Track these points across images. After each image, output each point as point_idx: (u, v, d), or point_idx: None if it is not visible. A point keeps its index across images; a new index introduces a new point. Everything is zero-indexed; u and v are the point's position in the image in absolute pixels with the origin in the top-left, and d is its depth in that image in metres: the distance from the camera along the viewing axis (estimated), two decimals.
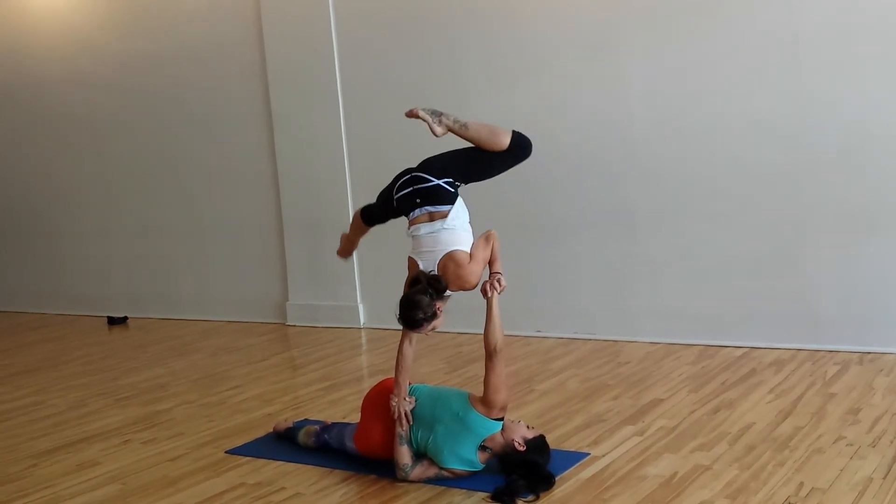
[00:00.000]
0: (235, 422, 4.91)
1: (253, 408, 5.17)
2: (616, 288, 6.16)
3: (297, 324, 7.49)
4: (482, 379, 3.75)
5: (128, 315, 8.42)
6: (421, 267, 3.77)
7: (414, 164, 3.94)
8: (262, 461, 4.22)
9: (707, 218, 5.78)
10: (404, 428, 3.84)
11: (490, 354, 3.72)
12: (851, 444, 3.89)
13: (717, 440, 4.07)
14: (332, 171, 7.14)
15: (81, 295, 8.88)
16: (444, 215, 3.79)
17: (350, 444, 4.10)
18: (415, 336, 3.86)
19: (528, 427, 3.78)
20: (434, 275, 3.70)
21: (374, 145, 6.92)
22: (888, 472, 3.56)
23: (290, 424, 4.51)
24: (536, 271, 6.37)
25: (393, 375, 3.96)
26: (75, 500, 3.92)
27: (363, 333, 7.07)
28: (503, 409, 3.75)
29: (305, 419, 4.76)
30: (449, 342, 6.35)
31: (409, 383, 3.98)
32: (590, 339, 6.18)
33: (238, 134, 7.68)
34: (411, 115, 3.93)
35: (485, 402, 3.72)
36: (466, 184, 3.92)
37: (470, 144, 3.95)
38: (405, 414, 3.84)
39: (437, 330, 3.77)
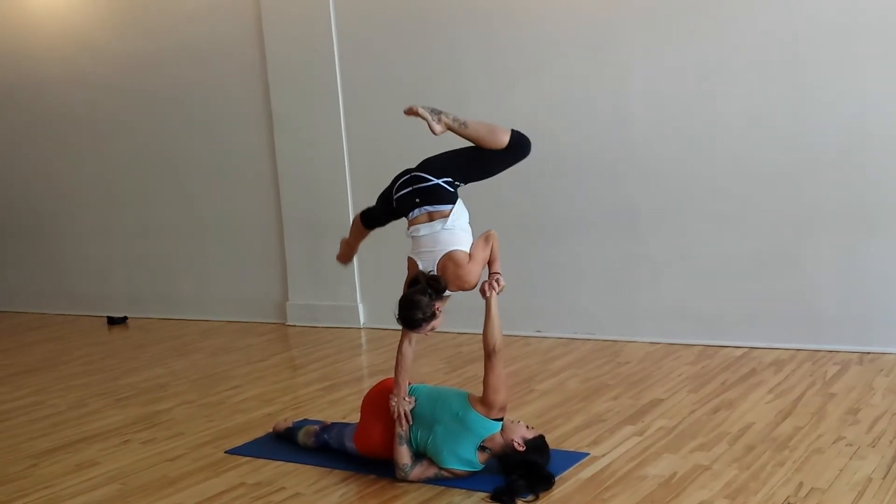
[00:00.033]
0: (235, 422, 4.91)
1: (252, 408, 5.16)
2: (616, 288, 6.15)
3: (296, 324, 7.49)
4: (482, 379, 3.75)
5: (128, 315, 8.42)
6: (420, 267, 3.77)
7: (414, 165, 3.94)
8: (261, 461, 4.22)
9: (707, 218, 5.78)
10: (404, 428, 3.84)
11: (489, 355, 3.72)
12: (851, 445, 3.89)
13: (716, 440, 4.07)
14: (332, 171, 7.14)
15: (81, 295, 8.88)
16: (444, 215, 3.79)
17: (350, 444, 4.10)
18: (414, 336, 3.86)
19: (527, 427, 3.78)
20: (433, 275, 3.70)
21: (374, 145, 6.92)
22: (888, 473, 3.56)
23: (290, 424, 4.51)
24: (536, 271, 6.37)
25: (392, 375, 3.96)
26: (75, 500, 3.92)
27: (363, 333, 7.07)
28: (503, 409, 3.75)
29: (305, 419, 4.76)
30: (449, 342, 6.35)
31: (409, 383, 3.98)
32: (589, 339, 6.18)
33: (238, 134, 7.68)
34: (410, 112, 3.93)
35: (484, 402, 3.72)
36: (466, 183, 3.92)
37: (469, 144, 3.95)
38: (405, 414, 3.84)
39: (436, 330, 3.77)
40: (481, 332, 3.78)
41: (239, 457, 4.31)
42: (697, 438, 4.11)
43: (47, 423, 5.12)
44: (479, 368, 4.69)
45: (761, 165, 5.57)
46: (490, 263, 3.86)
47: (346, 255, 4.50)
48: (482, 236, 3.85)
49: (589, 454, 4.01)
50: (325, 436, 4.23)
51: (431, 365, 5.81)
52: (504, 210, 6.25)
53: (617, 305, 6.16)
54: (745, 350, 5.61)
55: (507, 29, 6.32)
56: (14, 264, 9.44)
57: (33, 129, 8.95)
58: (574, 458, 3.96)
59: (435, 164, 3.87)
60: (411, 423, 3.85)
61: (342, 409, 5.01)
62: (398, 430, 3.85)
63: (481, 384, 3.74)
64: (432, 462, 3.80)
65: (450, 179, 3.83)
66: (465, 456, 3.75)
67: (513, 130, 3.90)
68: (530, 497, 3.55)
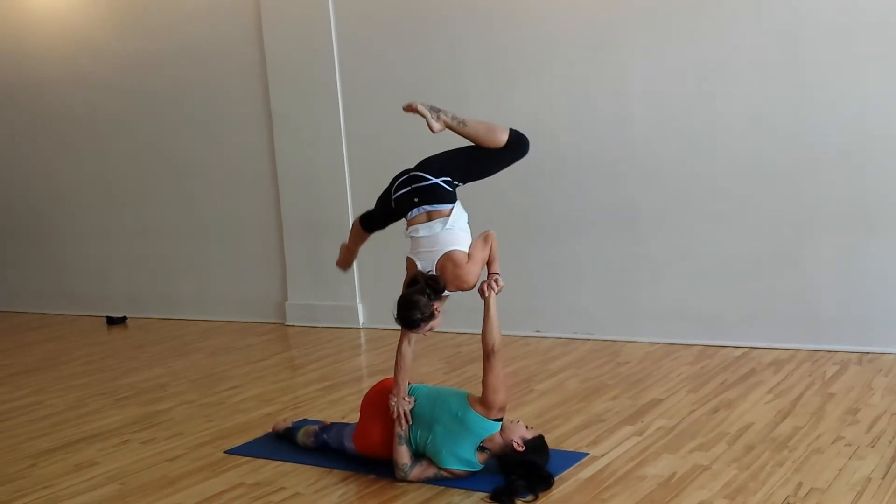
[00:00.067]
0: (234, 422, 4.90)
1: (252, 408, 5.16)
2: (616, 288, 6.15)
3: (296, 324, 7.49)
4: (481, 379, 3.75)
5: (128, 315, 8.42)
6: (419, 267, 3.77)
7: (413, 165, 3.93)
8: (261, 461, 4.22)
9: (707, 218, 5.77)
10: (403, 428, 3.84)
11: (488, 355, 3.72)
12: (850, 445, 3.89)
13: (715, 440, 4.07)
14: (331, 171, 7.14)
15: (81, 295, 8.87)
16: (442, 215, 3.79)
17: (349, 444, 4.10)
18: (413, 336, 3.86)
19: (527, 427, 3.78)
20: (432, 275, 3.69)
21: (373, 145, 6.92)
22: (887, 472, 3.56)
23: (289, 424, 4.51)
24: (536, 271, 6.37)
25: (392, 375, 3.96)
26: (74, 500, 3.92)
27: (362, 333, 7.07)
28: (502, 409, 3.75)
29: (304, 419, 4.76)
30: (448, 342, 6.35)
31: (409, 383, 3.98)
32: (589, 339, 6.18)
33: (238, 134, 7.68)
34: (409, 108, 3.92)
35: (483, 402, 3.72)
36: (464, 183, 3.92)
37: (467, 143, 3.95)
38: (404, 414, 3.84)
39: (435, 330, 3.77)
40: (480, 332, 3.78)
41: (238, 457, 4.31)
42: (697, 438, 4.11)
43: (47, 423, 5.12)
44: (478, 368, 4.68)
45: (761, 165, 5.56)
46: (489, 264, 3.85)
47: (345, 261, 4.49)
48: (481, 236, 3.85)
49: (588, 454, 4.01)
50: (325, 436, 4.23)
51: (431, 365, 5.81)
52: (504, 210, 6.25)
53: (617, 305, 6.16)
54: (745, 350, 5.61)
55: (507, 29, 6.32)
56: (14, 264, 9.44)
57: (33, 129, 8.95)
58: (573, 458, 3.96)
59: (433, 164, 3.88)
60: (411, 423, 3.85)
61: (341, 409, 5.01)
62: (398, 429, 3.85)
63: (480, 384, 3.74)
64: (432, 462, 3.80)
65: (448, 179, 3.83)
66: (464, 456, 3.74)
67: (511, 129, 3.90)
68: (530, 497, 3.54)
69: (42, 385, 6.07)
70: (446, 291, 3.74)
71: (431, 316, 3.64)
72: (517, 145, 3.92)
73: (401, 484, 3.81)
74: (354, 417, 4.32)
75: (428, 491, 3.73)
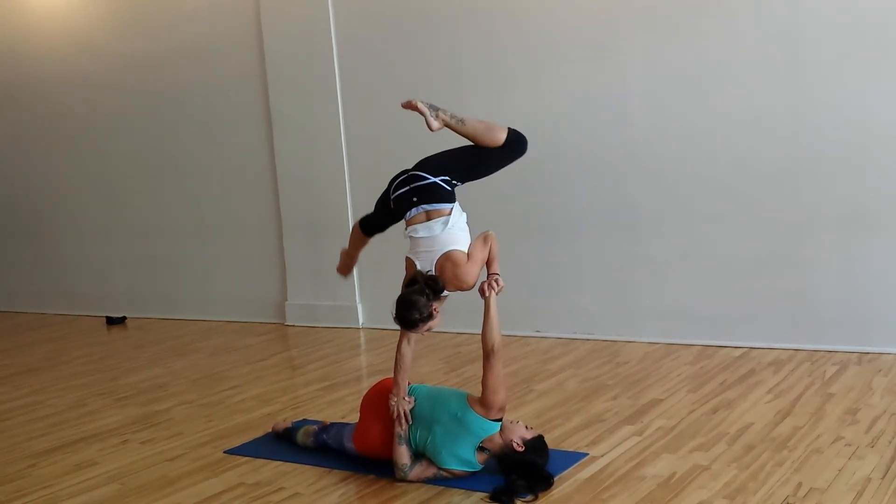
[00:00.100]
0: (234, 422, 4.90)
1: (252, 408, 5.16)
2: (616, 288, 6.15)
3: (296, 324, 7.49)
4: (481, 379, 3.75)
5: (127, 315, 8.41)
6: (418, 267, 3.77)
7: (412, 165, 3.93)
8: (260, 461, 4.22)
9: (707, 218, 5.77)
10: (403, 428, 3.84)
11: (488, 355, 3.72)
12: (850, 445, 3.89)
13: (715, 440, 4.06)
14: (331, 171, 7.14)
15: (81, 295, 8.87)
16: (442, 215, 3.79)
17: (349, 444, 4.10)
18: (413, 336, 3.85)
19: (526, 427, 3.78)
20: (431, 275, 3.69)
21: (373, 145, 6.92)
22: (886, 472, 3.55)
23: (289, 424, 4.51)
24: (536, 271, 6.36)
25: (392, 375, 3.96)
26: (74, 500, 3.92)
27: (362, 333, 7.07)
28: (501, 409, 3.74)
29: (304, 419, 4.76)
30: (448, 342, 6.35)
31: (409, 383, 3.98)
32: (589, 339, 6.18)
33: (238, 134, 7.68)
34: (408, 105, 3.91)
35: (483, 402, 3.72)
36: (463, 182, 3.92)
37: (466, 143, 3.95)
38: (404, 414, 3.84)
39: (435, 330, 3.76)
40: (480, 332, 3.77)
41: (238, 457, 4.31)
42: (696, 438, 4.11)
43: (46, 423, 5.12)
44: (478, 368, 4.68)
45: (761, 165, 5.56)
46: (489, 264, 3.85)
47: (346, 266, 4.48)
48: (481, 236, 3.85)
49: (588, 454, 4.01)
50: (324, 436, 4.23)
51: (430, 365, 5.81)
52: (504, 210, 6.25)
53: (616, 305, 6.16)
54: (745, 350, 5.61)
55: (507, 29, 6.31)
56: (14, 264, 9.44)
57: (33, 129, 8.95)
58: (573, 458, 3.96)
59: (432, 163, 3.87)
60: (410, 422, 3.85)
61: (341, 409, 5.01)
62: (397, 430, 3.85)
63: (480, 384, 3.74)
64: (431, 462, 3.80)
65: (447, 178, 3.83)
66: (464, 456, 3.74)
67: (509, 128, 3.90)
68: (529, 497, 3.54)
69: (42, 385, 6.07)
70: (445, 291, 3.74)
71: (430, 316, 3.64)
72: (516, 144, 3.92)
73: (401, 484, 3.81)
74: (354, 417, 4.31)
75: (428, 491, 3.73)
